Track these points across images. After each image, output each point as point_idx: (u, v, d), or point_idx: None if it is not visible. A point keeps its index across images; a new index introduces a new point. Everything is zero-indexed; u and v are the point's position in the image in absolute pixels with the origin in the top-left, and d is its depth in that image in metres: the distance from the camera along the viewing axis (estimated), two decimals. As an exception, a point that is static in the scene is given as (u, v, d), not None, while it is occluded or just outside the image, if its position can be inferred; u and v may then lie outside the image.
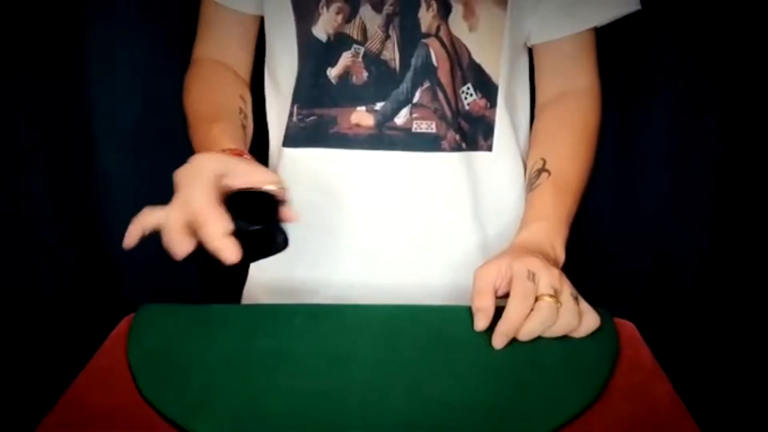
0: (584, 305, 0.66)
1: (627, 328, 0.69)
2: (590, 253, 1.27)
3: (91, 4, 1.13)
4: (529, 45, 0.86)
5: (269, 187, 0.66)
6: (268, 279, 0.89)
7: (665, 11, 1.11)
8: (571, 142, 0.83)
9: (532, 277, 0.64)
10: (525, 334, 0.63)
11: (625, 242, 1.25)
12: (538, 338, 0.65)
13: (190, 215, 0.62)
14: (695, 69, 1.16)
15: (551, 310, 0.63)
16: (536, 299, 0.63)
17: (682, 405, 0.57)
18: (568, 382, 0.59)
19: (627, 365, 0.62)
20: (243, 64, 0.90)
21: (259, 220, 0.65)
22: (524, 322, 0.63)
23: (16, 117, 1.14)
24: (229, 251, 0.61)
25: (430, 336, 0.66)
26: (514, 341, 0.64)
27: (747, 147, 1.18)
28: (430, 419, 0.54)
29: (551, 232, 0.76)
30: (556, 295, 0.63)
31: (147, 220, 0.64)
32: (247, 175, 0.66)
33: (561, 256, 0.75)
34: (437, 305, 0.73)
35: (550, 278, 0.64)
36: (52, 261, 1.20)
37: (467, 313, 0.71)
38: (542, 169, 0.81)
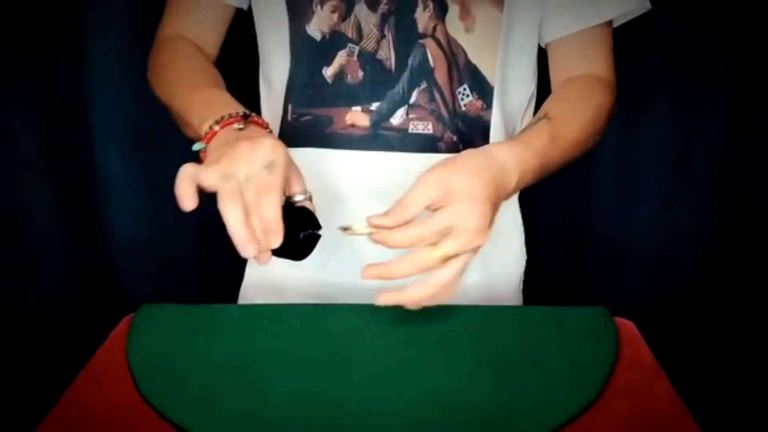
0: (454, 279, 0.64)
1: (627, 327, 0.69)
2: (591, 253, 1.27)
3: (90, 3, 1.13)
4: (543, 45, 0.86)
5: (298, 198, 0.67)
6: (264, 280, 0.89)
7: (666, 12, 1.11)
8: (579, 107, 0.80)
9: (449, 230, 0.61)
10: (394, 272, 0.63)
11: (625, 242, 1.25)
12: (538, 338, 0.65)
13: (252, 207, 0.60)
14: (696, 71, 1.16)
15: (431, 260, 0.62)
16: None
17: (682, 404, 0.57)
18: (568, 381, 0.59)
19: (627, 364, 0.62)
20: (212, 51, 0.88)
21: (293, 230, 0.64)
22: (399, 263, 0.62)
23: (16, 117, 1.14)
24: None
25: (430, 336, 0.66)
26: (513, 343, 0.64)
27: (748, 148, 1.18)
28: (430, 419, 0.54)
29: (521, 159, 0.69)
30: (448, 256, 0.61)
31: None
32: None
33: (511, 186, 0.68)
34: (437, 305, 0.72)
35: (466, 237, 0.62)
36: (52, 261, 1.21)
37: (467, 313, 0.71)
38: (543, 117, 0.77)
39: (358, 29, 0.80)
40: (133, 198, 1.21)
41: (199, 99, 0.74)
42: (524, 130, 0.76)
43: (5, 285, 1.19)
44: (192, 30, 0.87)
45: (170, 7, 0.88)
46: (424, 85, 0.81)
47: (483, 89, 0.82)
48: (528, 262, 0.93)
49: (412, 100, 0.81)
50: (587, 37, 0.84)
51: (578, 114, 0.79)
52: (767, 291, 1.21)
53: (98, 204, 1.21)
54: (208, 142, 0.66)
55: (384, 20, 0.80)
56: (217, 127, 0.67)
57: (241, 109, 0.69)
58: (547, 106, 0.80)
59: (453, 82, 0.81)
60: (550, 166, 0.74)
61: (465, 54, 0.81)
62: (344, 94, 0.81)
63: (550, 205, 1.23)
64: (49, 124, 1.16)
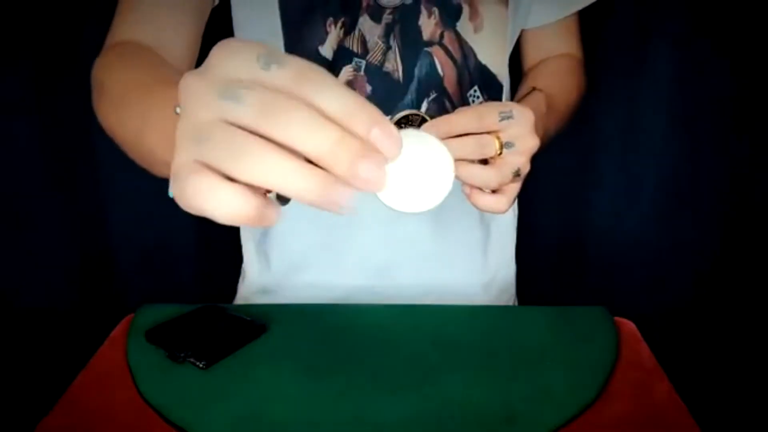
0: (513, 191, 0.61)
1: (627, 326, 0.69)
2: (592, 253, 1.27)
3: (90, 3, 1.13)
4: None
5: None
6: (261, 280, 0.88)
7: (668, 13, 1.11)
8: (565, 81, 0.84)
9: (510, 113, 0.58)
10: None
11: (626, 242, 1.25)
12: (538, 338, 0.65)
13: None
14: (699, 71, 1.16)
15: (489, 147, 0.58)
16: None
17: (681, 403, 0.57)
18: (568, 381, 0.59)
19: (627, 364, 0.62)
20: (180, 64, 0.69)
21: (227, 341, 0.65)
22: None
23: (16, 118, 1.14)
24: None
25: (430, 336, 0.66)
26: (513, 343, 0.64)
27: (750, 149, 1.18)
28: (430, 420, 0.54)
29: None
30: (505, 142, 0.58)
31: None
32: None
33: None
34: (437, 305, 0.73)
35: (525, 128, 0.59)
36: (52, 262, 1.20)
37: (467, 313, 0.71)
38: (534, 90, 0.76)
39: (363, 42, 0.76)
40: (133, 198, 1.21)
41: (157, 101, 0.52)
42: (520, 100, 0.75)
43: (5, 285, 1.19)
44: (150, 36, 0.68)
45: (120, 8, 0.71)
46: (434, 94, 0.78)
47: (493, 88, 0.81)
48: (528, 262, 0.93)
49: (423, 111, 0.79)
50: (563, 21, 0.87)
51: (566, 86, 0.83)
52: (767, 291, 1.21)
53: (98, 204, 1.20)
54: None
55: (388, 31, 0.76)
56: None
57: None
58: (534, 80, 0.82)
59: (463, 87, 0.79)
60: (549, 133, 0.75)
61: (475, 55, 0.79)
62: None
63: (549, 206, 1.23)
64: (50, 123, 1.16)
